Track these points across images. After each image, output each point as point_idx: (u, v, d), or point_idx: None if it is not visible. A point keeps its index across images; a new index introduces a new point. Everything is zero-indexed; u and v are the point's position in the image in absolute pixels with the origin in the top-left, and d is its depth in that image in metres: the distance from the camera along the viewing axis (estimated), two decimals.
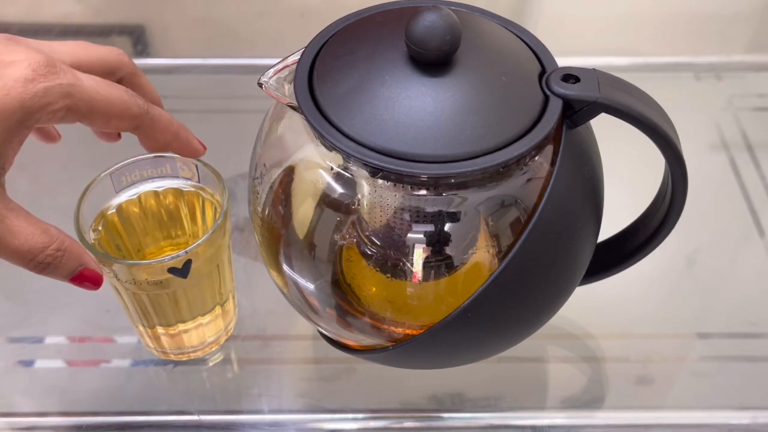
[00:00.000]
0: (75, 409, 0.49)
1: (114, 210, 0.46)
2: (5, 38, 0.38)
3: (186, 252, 0.42)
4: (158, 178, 0.47)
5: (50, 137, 0.46)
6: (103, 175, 0.45)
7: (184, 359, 0.50)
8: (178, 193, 0.47)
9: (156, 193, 0.47)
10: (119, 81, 0.42)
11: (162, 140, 0.42)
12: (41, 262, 0.38)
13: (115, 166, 0.45)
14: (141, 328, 0.48)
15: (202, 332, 0.49)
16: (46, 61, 0.36)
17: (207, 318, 0.48)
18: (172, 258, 0.41)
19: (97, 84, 0.39)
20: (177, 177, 0.46)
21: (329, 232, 0.40)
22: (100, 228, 0.45)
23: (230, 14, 0.78)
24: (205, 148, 0.44)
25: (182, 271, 0.42)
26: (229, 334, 0.51)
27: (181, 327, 0.47)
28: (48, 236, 0.38)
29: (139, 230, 0.47)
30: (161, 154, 0.45)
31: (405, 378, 0.49)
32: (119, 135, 0.46)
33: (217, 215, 0.44)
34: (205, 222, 0.48)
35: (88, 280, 0.40)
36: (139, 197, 0.46)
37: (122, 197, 0.46)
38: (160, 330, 0.47)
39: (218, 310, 0.48)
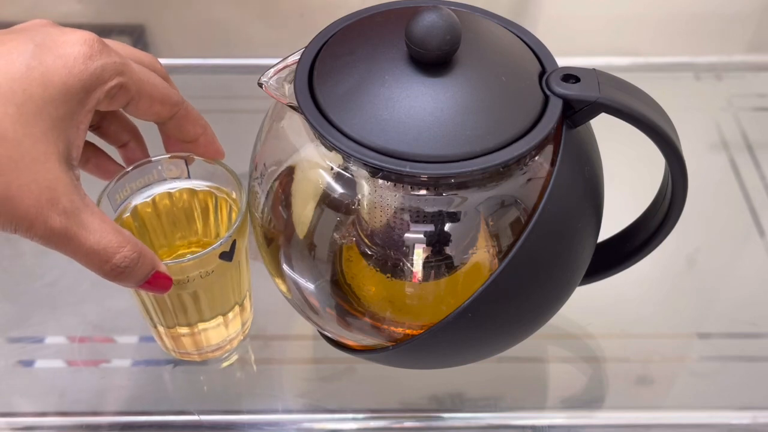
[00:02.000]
0: (75, 409, 0.49)
1: (129, 214, 0.45)
2: (49, 22, 0.38)
3: (229, 236, 0.41)
4: (147, 187, 0.45)
5: (114, 173, 0.45)
6: (102, 198, 0.43)
7: (201, 359, 0.50)
8: (168, 196, 0.46)
9: (146, 204, 0.46)
10: None
11: (193, 132, 0.43)
12: (117, 266, 0.36)
13: (110, 187, 0.44)
14: (160, 328, 0.47)
15: (221, 331, 0.48)
16: (97, 38, 0.37)
17: (229, 316, 0.48)
18: (221, 243, 0.41)
19: (141, 67, 0.39)
20: (164, 179, 0.46)
21: (329, 232, 0.40)
22: None
23: (230, 14, 0.78)
24: (224, 153, 0.45)
25: (229, 254, 0.42)
26: (246, 332, 0.51)
27: (201, 326, 0.47)
28: (121, 236, 0.36)
29: (146, 241, 0.47)
30: (147, 160, 0.45)
31: (405, 378, 0.49)
32: (119, 169, 0.45)
33: (234, 216, 0.44)
34: (207, 218, 0.47)
35: (161, 283, 0.39)
36: (135, 210, 0.46)
37: (120, 214, 0.45)
38: (180, 330, 0.47)
39: (237, 308, 0.48)
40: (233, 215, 0.46)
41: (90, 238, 0.35)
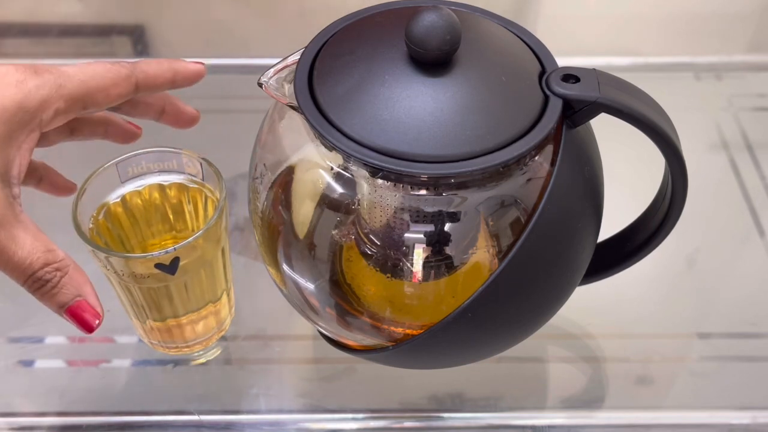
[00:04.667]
0: (75, 409, 0.49)
1: (118, 200, 0.46)
2: None
3: (174, 249, 0.42)
4: (164, 172, 0.47)
5: (68, 189, 0.46)
6: (108, 164, 0.45)
7: (175, 353, 0.50)
8: (182, 188, 0.47)
9: (161, 186, 0.47)
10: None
11: (162, 80, 0.42)
12: (38, 279, 0.37)
13: (122, 157, 0.45)
14: (134, 320, 0.48)
15: (192, 329, 0.49)
16: (29, 65, 0.38)
17: (200, 314, 0.48)
18: (160, 254, 0.42)
19: (78, 66, 0.40)
20: (182, 173, 0.47)
21: (329, 231, 0.40)
22: (100, 217, 0.45)
23: (230, 14, 0.78)
24: (198, 114, 0.45)
25: (170, 267, 0.42)
26: (222, 333, 0.51)
27: (172, 322, 0.47)
28: (52, 255, 0.37)
29: (143, 222, 0.48)
30: (168, 149, 0.46)
31: (405, 378, 0.49)
32: (138, 130, 0.46)
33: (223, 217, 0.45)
34: (207, 219, 0.48)
35: (86, 314, 0.38)
36: (143, 190, 0.47)
37: (127, 188, 0.46)
38: (150, 323, 0.47)
39: (210, 308, 0.48)
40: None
41: (18, 252, 0.36)
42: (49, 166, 0.46)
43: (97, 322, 0.39)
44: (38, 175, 0.45)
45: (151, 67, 0.42)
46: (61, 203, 0.40)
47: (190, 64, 0.44)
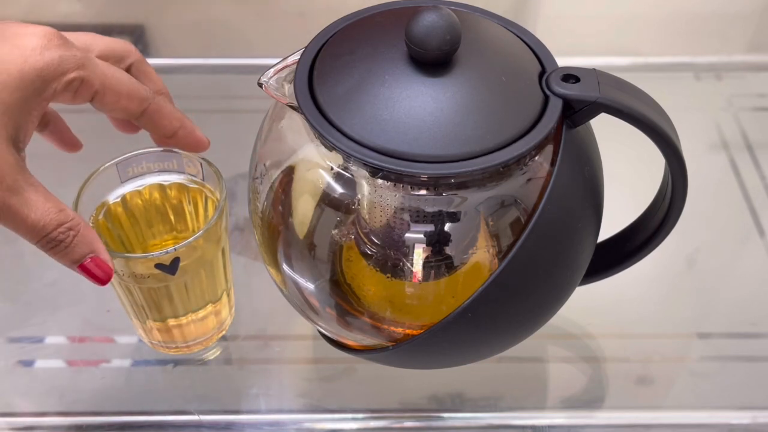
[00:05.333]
0: (75, 409, 0.49)
1: (119, 200, 0.46)
2: (14, 21, 0.39)
3: (175, 249, 0.42)
4: (164, 172, 0.47)
5: (72, 145, 0.46)
6: (108, 164, 0.45)
7: (175, 353, 0.50)
8: (183, 188, 0.47)
9: (162, 186, 0.47)
10: (127, 70, 0.43)
11: (169, 127, 0.43)
12: (52, 239, 0.38)
13: (122, 157, 0.45)
14: (134, 320, 0.48)
15: (193, 329, 0.49)
16: (58, 33, 0.38)
17: (199, 314, 0.48)
18: (160, 254, 0.42)
19: (106, 64, 0.40)
20: (182, 173, 0.47)
21: (329, 232, 0.40)
22: (100, 217, 0.45)
23: (230, 14, 0.78)
24: (209, 142, 0.45)
25: (170, 268, 0.43)
26: (222, 333, 0.51)
27: (172, 322, 0.47)
28: (64, 215, 0.38)
29: (143, 223, 0.48)
30: (169, 148, 0.46)
31: (405, 378, 0.49)
32: (133, 130, 0.46)
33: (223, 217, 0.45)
34: (207, 219, 0.48)
35: (97, 269, 0.40)
36: (143, 190, 0.47)
37: (127, 188, 0.46)
38: (150, 323, 0.47)
39: (210, 308, 0.48)
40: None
41: (31, 215, 0.37)
42: (60, 117, 0.46)
43: (107, 275, 0.40)
44: (45, 121, 0.45)
45: (167, 106, 0.43)
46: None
47: (199, 132, 0.45)
